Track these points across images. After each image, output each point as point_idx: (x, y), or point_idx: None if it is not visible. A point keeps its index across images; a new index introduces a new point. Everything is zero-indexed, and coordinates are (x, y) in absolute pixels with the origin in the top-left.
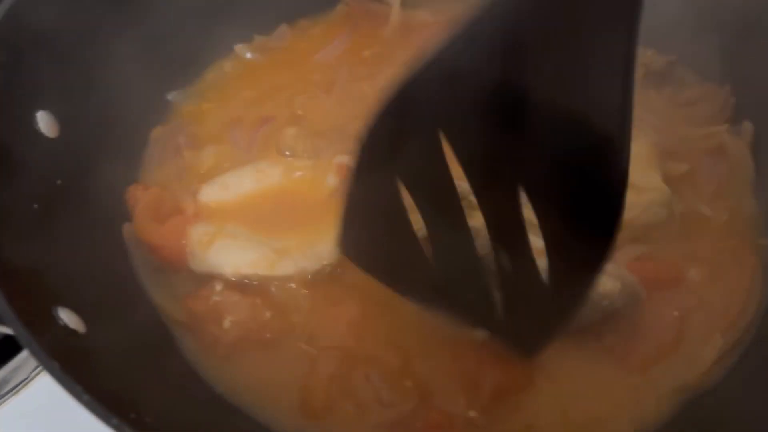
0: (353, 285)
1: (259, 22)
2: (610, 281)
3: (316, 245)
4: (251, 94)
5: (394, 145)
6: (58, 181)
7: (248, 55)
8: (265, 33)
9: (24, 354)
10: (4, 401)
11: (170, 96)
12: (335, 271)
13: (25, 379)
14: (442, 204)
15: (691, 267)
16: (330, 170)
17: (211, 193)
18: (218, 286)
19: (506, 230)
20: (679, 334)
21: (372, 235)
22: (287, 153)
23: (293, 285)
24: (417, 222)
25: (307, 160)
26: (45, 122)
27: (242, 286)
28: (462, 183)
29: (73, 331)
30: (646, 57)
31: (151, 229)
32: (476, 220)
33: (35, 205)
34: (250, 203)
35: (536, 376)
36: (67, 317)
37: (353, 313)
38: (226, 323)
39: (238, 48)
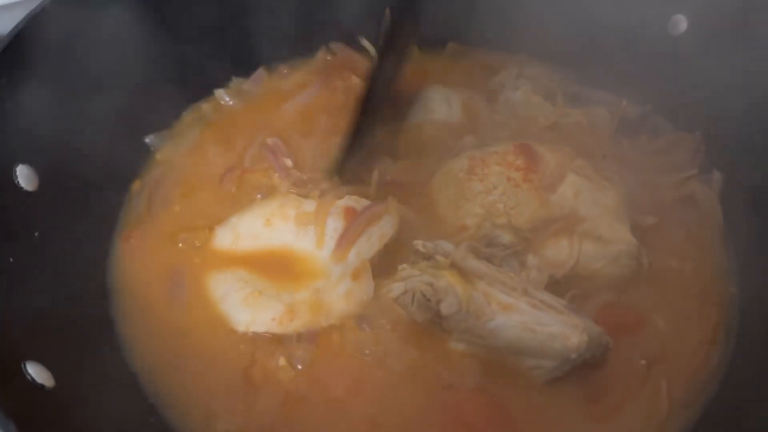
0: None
1: (238, 66)
2: (576, 335)
3: (324, 301)
4: (229, 138)
5: None
6: (36, 234)
7: (226, 99)
8: (241, 81)
9: None
10: None
11: (148, 139)
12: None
13: None
14: None
15: (658, 316)
16: (333, 214)
17: (225, 238)
18: None
19: None
20: (644, 383)
21: None
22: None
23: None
24: None
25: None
26: (24, 176)
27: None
28: (426, 243)
29: (41, 386)
30: (621, 107)
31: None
32: (443, 281)
33: (11, 259)
34: (260, 250)
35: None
36: (36, 372)
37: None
38: None
39: (218, 92)
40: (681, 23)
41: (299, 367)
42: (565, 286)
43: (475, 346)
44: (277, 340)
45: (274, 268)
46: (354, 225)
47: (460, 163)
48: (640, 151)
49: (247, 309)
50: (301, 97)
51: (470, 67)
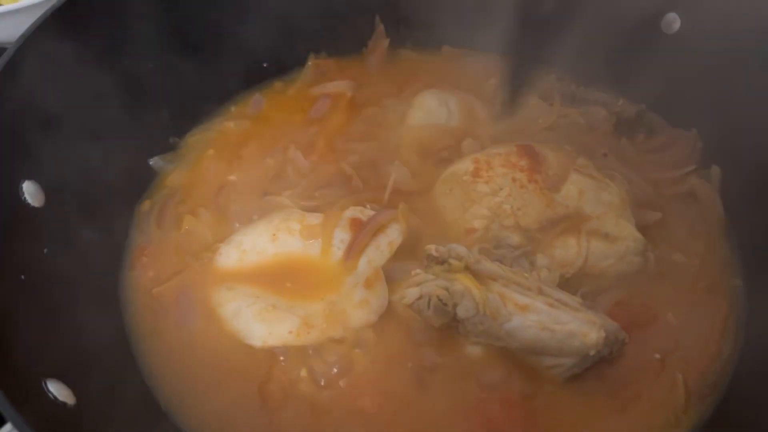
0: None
1: (234, 92)
2: (594, 331)
3: (339, 311)
4: (234, 158)
5: None
6: (45, 250)
7: (228, 124)
8: (241, 102)
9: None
10: None
11: (152, 161)
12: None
13: None
14: None
15: (668, 311)
16: (340, 226)
17: (230, 255)
18: None
19: None
20: (660, 376)
21: None
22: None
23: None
24: None
25: (316, 212)
26: (31, 192)
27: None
28: (439, 247)
29: (63, 404)
30: (617, 106)
31: (157, 306)
32: (458, 284)
33: (22, 276)
34: (268, 265)
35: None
36: (57, 390)
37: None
38: None
39: (216, 121)
40: (675, 22)
41: (321, 380)
42: (576, 285)
43: (492, 349)
44: (296, 353)
45: (284, 282)
46: (361, 234)
47: (464, 165)
48: (638, 148)
49: (262, 324)
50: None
51: (466, 70)
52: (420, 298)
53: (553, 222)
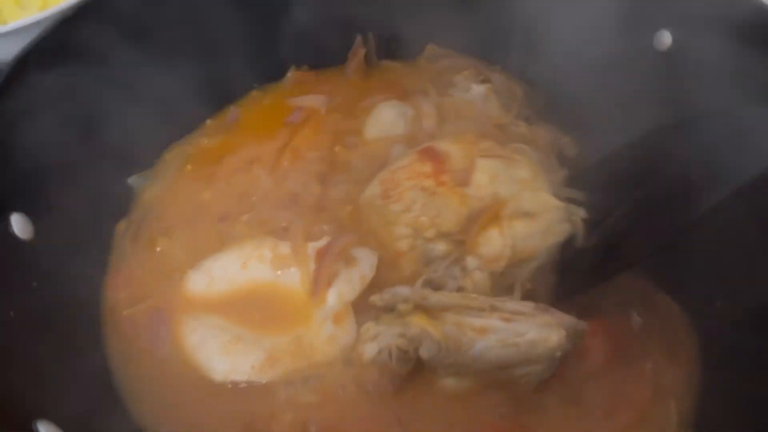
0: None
1: (211, 104)
2: (554, 333)
3: (306, 346)
4: (211, 176)
5: None
6: (34, 284)
7: (204, 141)
8: (218, 115)
9: None
10: None
11: (131, 180)
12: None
13: None
14: None
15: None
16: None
17: (198, 282)
18: None
19: None
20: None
21: None
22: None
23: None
24: None
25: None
26: (19, 224)
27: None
28: (383, 295)
29: None
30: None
31: (131, 329)
32: (414, 327)
33: (11, 313)
34: (237, 293)
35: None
36: (45, 429)
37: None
38: None
39: (192, 135)
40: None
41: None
42: (515, 273)
43: (464, 376)
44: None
45: (252, 312)
46: (323, 265)
47: (373, 190)
48: None
49: (226, 357)
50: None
51: (442, 78)
52: (380, 352)
53: (472, 218)
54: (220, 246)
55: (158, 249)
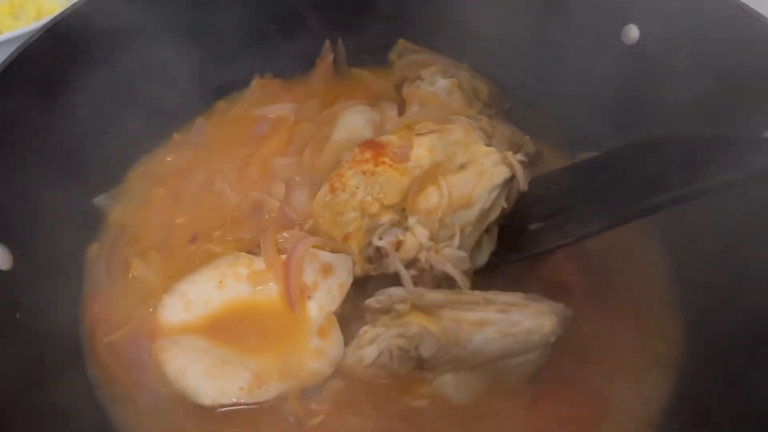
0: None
1: (178, 117)
2: (548, 320)
3: (293, 363)
4: (179, 193)
5: None
6: (17, 315)
7: (169, 157)
8: (184, 128)
9: None
10: None
11: (97, 200)
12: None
13: None
14: None
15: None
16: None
17: (174, 307)
18: None
19: None
20: None
21: None
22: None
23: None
24: None
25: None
26: None
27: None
28: (379, 297)
29: None
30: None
31: (111, 357)
32: (413, 326)
33: None
34: (216, 314)
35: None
36: None
37: None
38: None
39: (158, 150)
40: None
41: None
42: (456, 221)
43: (462, 371)
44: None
45: (233, 333)
46: (289, 276)
47: (322, 191)
48: None
49: (211, 381)
50: (251, 139)
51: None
52: (380, 354)
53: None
54: (195, 266)
55: (133, 273)
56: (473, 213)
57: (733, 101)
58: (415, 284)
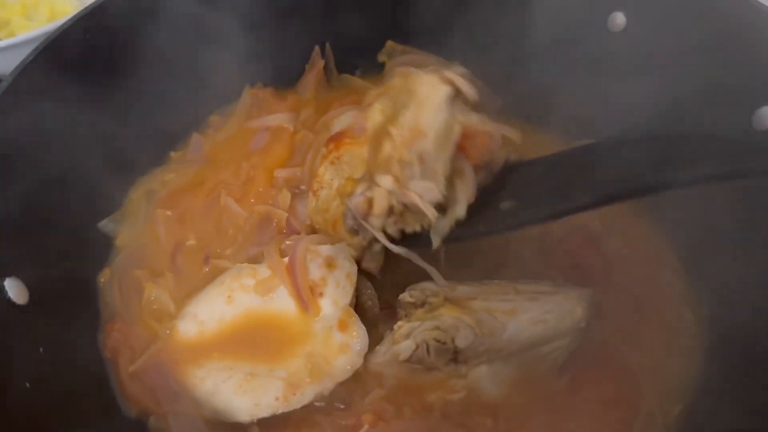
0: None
1: (173, 135)
2: (578, 305)
3: (320, 362)
4: (180, 212)
5: None
6: (41, 350)
7: (169, 176)
8: (180, 147)
9: None
10: None
11: (102, 225)
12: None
13: None
14: None
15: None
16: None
17: (188, 330)
18: None
19: None
20: None
21: None
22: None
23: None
24: None
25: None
26: (14, 290)
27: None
28: (412, 291)
29: None
30: None
31: (139, 388)
32: (447, 318)
33: (27, 384)
34: (232, 329)
35: None
36: None
37: None
38: None
39: (156, 170)
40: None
41: None
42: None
43: (495, 363)
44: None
45: (254, 344)
46: (294, 277)
47: (310, 200)
48: None
49: (244, 396)
50: (251, 151)
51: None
52: (417, 348)
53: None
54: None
55: (147, 297)
56: (428, 141)
57: (720, 90)
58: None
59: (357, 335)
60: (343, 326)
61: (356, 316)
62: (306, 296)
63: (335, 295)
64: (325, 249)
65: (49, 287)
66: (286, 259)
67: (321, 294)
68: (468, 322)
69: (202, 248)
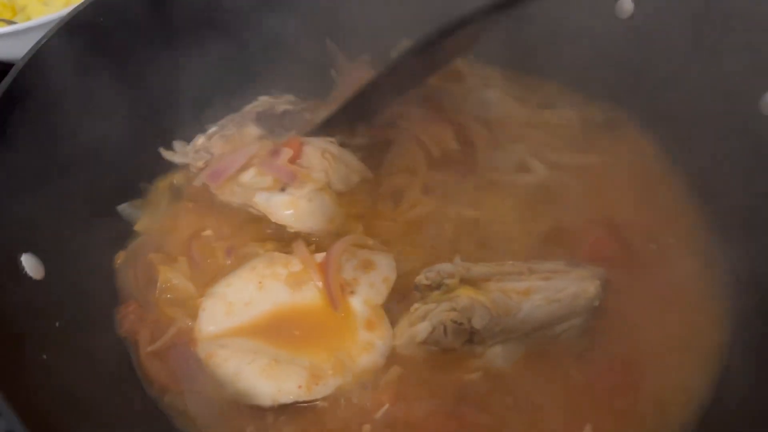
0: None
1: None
2: (591, 284)
3: (345, 358)
4: (205, 203)
5: None
6: (57, 324)
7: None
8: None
9: None
10: None
11: (121, 208)
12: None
13: None
14: None
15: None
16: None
17: (215, 310)
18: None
19: None
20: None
21: None
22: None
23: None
24: None
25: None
26: (30, 265)
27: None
28: (428, 273)
29: None
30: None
31: (158, 367)
32: (463, 299)
33: (44, 356)
34: (260, 315)
35: None
36: None
37: None
38: None
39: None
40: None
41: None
42: None
43: (510, 341)
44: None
45: (281, 332)
46: (328, 276)
47: None
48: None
49: (268, 381)
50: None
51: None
52: (434, 330)
53: None
54: (225, 272)
55: (163, 279)
56: None
57: (728, 74)
58: None
59: (383, 336)
60: (370, 326)
61: (386, 318)
62: (336, 295)
63: (367, 295)
64: (365, 253)
65: (65, 264)
66: (318, 256)
67: (352, 293)
68: (484, 303)
69: (218, 239)
